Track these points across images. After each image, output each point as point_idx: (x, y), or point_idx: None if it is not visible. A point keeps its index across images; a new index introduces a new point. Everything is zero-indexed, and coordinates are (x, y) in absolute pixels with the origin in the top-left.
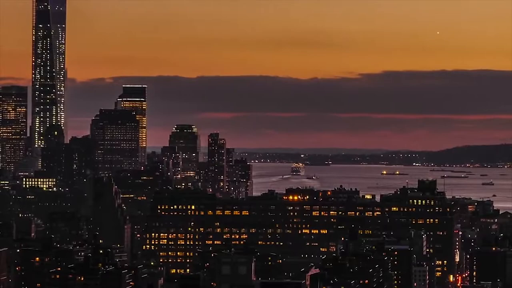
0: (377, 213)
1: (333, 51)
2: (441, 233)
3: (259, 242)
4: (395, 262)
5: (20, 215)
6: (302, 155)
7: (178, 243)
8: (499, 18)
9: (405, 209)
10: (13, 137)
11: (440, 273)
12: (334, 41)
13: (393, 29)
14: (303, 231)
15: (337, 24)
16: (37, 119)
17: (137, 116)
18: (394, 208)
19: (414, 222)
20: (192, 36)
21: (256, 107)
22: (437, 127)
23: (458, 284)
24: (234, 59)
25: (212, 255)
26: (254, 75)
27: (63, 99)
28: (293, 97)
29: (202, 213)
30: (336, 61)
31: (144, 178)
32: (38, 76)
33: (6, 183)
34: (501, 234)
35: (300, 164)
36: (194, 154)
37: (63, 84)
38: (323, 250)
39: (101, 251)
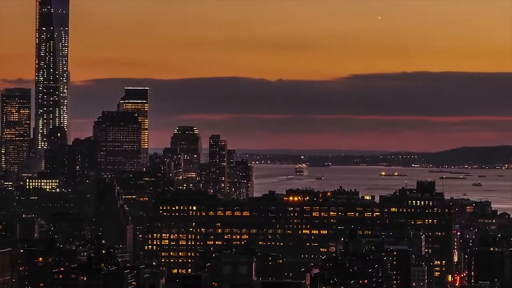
0: (377, 213)
1: (296, 53)
2: (439, 233)
3: (260, 243)
4: (394, 262)
5: (23, 215)
6: (302, 157)
7: (180, 243)
8: (459, 20)
9: (404, 210)
10: (17, 138)
11: (438, 273)
12: (298, 43)
13: (352, 32)
14: (303, 231)
15: (299, 27)
16: (41, 121)
17: (139, 118)
18: (393, 209)
19: (413, 222)
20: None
21: (241, 109)
22: (428, 129)
23: (457, 284)
24: (200, 61)
25: (213, 255)
26: (223, 76)
27: (66, 101)
28: (269, 98)
29: (203, 213)
30: (299, 63)
31: (146, 179)
32: (42, 78)
33: (9, 184)
34: (499, 235)
35: (304, 165)
36: (195, 156)
37: (66, 86)
38: (323, 250)
39: (103, 251)
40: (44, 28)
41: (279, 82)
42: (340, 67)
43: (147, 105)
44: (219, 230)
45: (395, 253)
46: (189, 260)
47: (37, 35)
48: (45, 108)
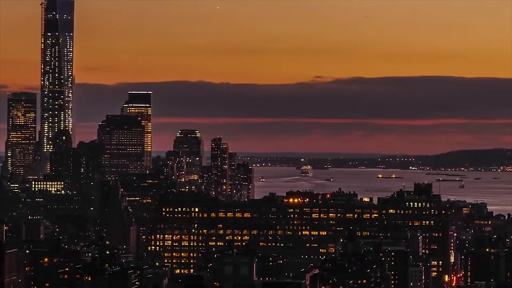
0: (375, 215)
1: (245, 57)
2: (436, 234)
3: (261, 243)
4: (392, 263)
5: (29, 217)
6: (302, 159)
7: (182, 244)
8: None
9: (402, 212)
10: (23, 141)
11: (435, 273)
12: (246, 47)
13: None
14: (303, 232)
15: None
16: (46, 124)
17: (142, 121)
18: (391, 211)
19: (410, 224)
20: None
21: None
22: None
23: (453, 284)
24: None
25: (215, 255)
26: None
27: (71, 105)
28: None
29: (205, 215)
30: (243, 68)
31: (149, 181)
32: (47, 82)
33: (16, 186)
34: (495, 236)
35: (309, 166)
36: (197, 158)
37: (71, 91)
38: (322, 251)
39: (107, 252)
40: (49, 34)
41: (224, 85)
42: (296, 71)
43: (150, 109)
44: (221, 231)
45: (393, 253)
46: (192, 261)
47: (42, 41)
48: (50, 112)
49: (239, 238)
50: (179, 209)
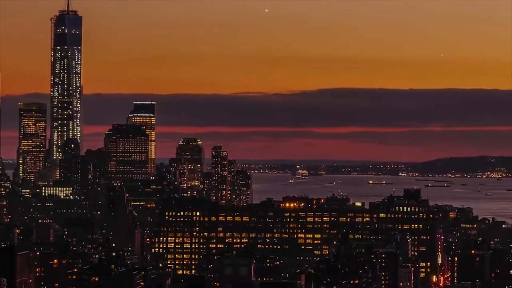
0: (366, 219)
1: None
2: (425, 237)
3: (259, 246)
4: (383, 264)
5: (40, 221)
6: (297, 166)
7: (184, 246)
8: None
9: (392, 216)
10: (34, 149)
11: (424, 274)
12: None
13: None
14: (299, 235)
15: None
16: (55, 133)
17: (146, 130)
18: (382, 215)
19: (400, 227)
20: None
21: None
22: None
23: (441, 284)
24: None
25: (216, 257)
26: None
27: (79, 114)
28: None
29: (206, 219)
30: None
31: (153, 187)
32: (56, 93)
33: (27, 192)
34: (480, 238)
35: (305, 171)
36: (199, 165)
37: (79, 101)
38: (317, 253)
39: (114, 254)
40: (58, 48)
41: (173, 96)
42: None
43: (154, 118)
44: (221, 234)
45: (383, 255)
46: (193, 262)
47: (52, 54)
48: (59, 121)
49: (238, 240)
50: (182, 213)
